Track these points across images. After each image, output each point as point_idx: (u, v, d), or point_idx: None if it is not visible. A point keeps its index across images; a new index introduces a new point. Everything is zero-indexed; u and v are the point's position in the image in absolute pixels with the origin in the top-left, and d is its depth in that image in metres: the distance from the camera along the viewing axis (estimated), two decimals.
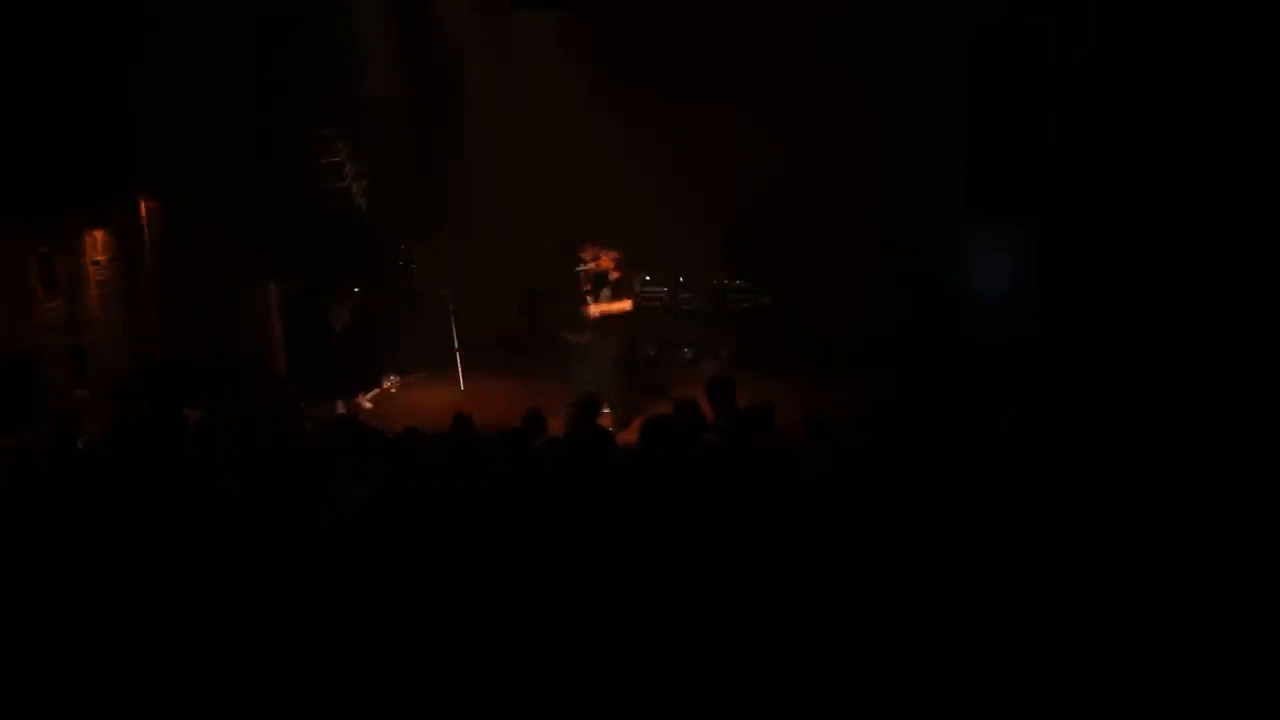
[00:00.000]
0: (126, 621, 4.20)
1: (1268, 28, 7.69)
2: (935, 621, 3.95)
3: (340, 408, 10.16)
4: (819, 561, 4.35)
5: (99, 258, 8.99)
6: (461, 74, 12.11)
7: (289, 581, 4.47)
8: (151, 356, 9.32)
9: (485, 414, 9.70)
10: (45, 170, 7.98)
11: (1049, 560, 4.39)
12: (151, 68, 9.05)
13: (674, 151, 11.16)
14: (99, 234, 8.99)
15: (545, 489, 5.13)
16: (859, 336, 10.09)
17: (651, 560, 4.32)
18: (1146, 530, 4.51)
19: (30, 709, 3.85)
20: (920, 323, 9.78)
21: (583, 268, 9.19)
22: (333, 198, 10.92)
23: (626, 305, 9.31)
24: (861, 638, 3.90)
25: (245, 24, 9.86)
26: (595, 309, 9.10)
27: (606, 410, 8.12)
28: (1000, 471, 5.43)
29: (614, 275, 9.27)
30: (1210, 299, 8.05)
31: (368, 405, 10.45)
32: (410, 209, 11.93)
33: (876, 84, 10.22)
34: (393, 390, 11.45)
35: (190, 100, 9.25)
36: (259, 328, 10.56)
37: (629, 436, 6.59)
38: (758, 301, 11.53)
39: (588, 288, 9.17)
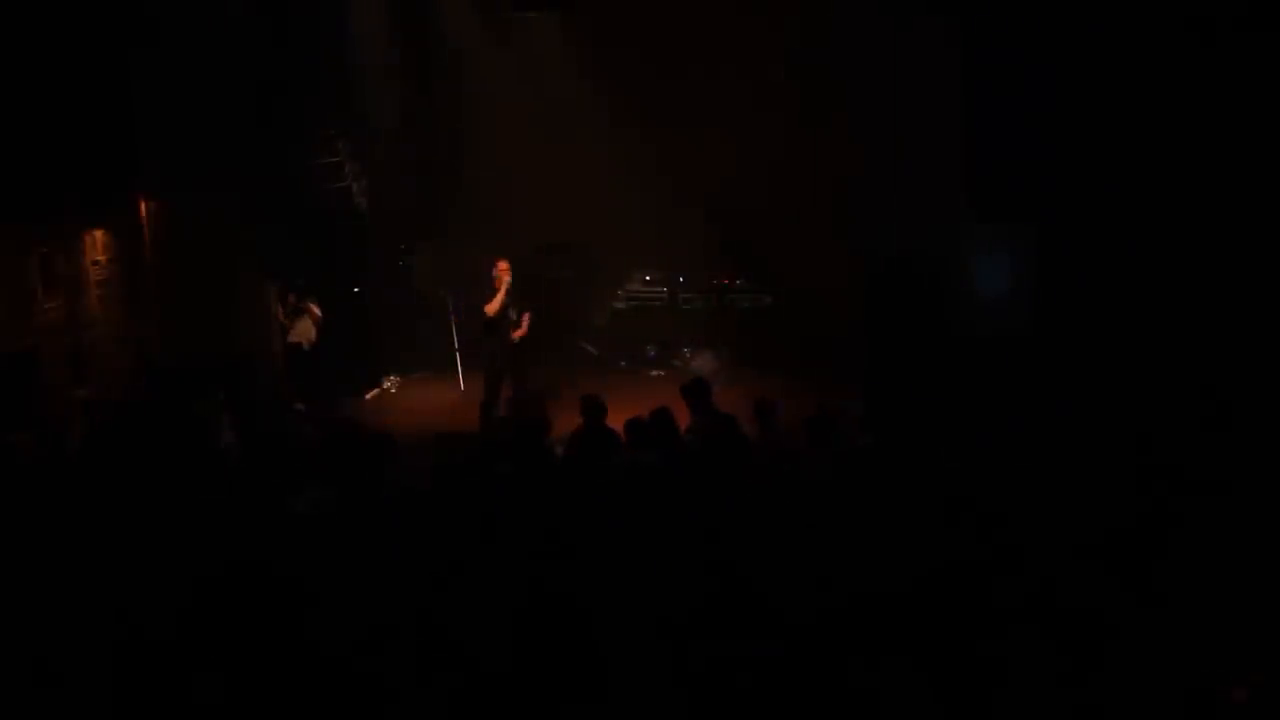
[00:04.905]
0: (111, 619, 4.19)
1: (1266, 29, 7.70)
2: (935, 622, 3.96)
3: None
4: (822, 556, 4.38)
5: (99, 258, 8.96)
6: (461, 74, 12.11)
7: (284, 580, 4.47)
8: (152, 356, 9.30)
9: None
10: (45, 170, 7.95)
11: (1047, 557, 4.40)
12: (151, 68, 9.03)
13: (675, 152, 11.16)
14: (99, 234, 8.96)
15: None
16: (859, 336, 10.08)
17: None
18: (1145, 529, 4.52)
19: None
20: (919, 323, 9.76)
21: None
22: (333, 198, 10.90)
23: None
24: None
25: (245, 24, 9.84)
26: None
27: None
28: (1001, 469, 5.44)
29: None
30: (1209, 299, 8.06)
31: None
32: (410, 209, 11.92)
33: (877, 84, 10.22)
34: (393, 390, 11.45)
35: (190, 100, 9.23)
36: (259, 328, 10.54)
37: None
38: (758, 301, 11.53)
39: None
